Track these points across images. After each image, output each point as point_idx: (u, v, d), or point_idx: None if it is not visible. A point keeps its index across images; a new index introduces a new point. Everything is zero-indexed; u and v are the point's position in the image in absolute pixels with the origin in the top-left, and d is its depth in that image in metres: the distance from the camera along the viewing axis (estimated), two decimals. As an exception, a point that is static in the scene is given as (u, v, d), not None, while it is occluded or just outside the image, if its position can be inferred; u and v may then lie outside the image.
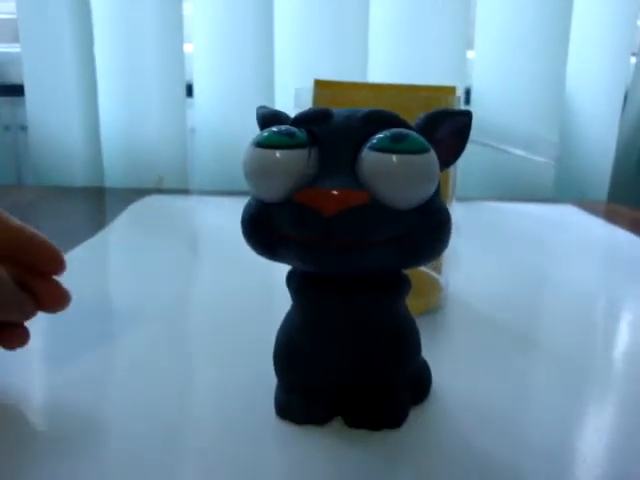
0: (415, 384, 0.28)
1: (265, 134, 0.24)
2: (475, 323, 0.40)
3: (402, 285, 0.27)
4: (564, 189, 0.87)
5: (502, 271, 0.51)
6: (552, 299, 0.48)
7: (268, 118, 0.26)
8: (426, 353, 0.29)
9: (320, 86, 0.38)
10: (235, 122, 0.82)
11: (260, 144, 0.24)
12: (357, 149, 0.24)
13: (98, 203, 0.79)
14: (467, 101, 0.83)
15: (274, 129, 0.24)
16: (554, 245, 0.62)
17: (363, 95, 0.39)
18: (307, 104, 0.37)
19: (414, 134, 0.23)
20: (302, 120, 0.25)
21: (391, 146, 0.23)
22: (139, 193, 0.75)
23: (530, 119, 0.82)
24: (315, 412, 0.27)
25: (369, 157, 0.23)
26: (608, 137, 0.85)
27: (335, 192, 0.22)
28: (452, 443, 0.26)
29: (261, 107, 0.27)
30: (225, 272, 0.49)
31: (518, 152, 0.40)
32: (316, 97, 0.38)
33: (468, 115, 0.25)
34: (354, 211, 0.22)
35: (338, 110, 0.25)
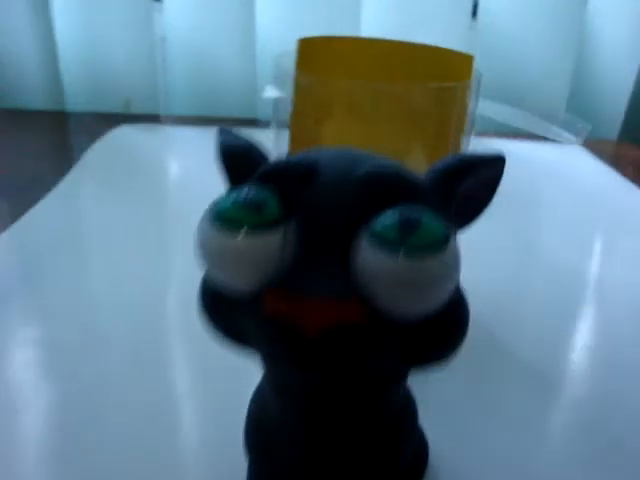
0: (410, 465, 0.24)
1: (224, 204, 0.17)
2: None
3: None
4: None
5: (490, 244, 0.47)
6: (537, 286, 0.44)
7: (231, 157, 0.20)
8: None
9: (305, 46, 0.31)
10: (212, 27, 0.73)
11: (218, 220, 0.17)
12: (352, 231, 0.17)
13: (61, 133, 0.72)
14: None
15: (236, 196, 0.18)
16: (550, 202, 0.57)
17: (357, 52, 0.32)
18: (288, 76, 0.30)
19: (428, 216, 0.17)
20: (276, 178, 0.18)
21: (400, 240, 0.16)
22: (106, 120, 0.68)
23: (546, 45, 0.74)
24: None
25: (369, 255, 0.16)
26: (627, 69, 0.77)
27: (321, 304, 0.17)
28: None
29: (222, 132, 0.21)
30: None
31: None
32: (299, 58, 0.31)
33: (501, 162, 0.19)
34: (346, 331, 0.17)
35: (325, 162, 0.18)
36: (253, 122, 0.74)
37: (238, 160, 0.20)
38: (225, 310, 0.19)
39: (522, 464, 0.27)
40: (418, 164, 0.33)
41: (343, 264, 0.17)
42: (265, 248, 0.17)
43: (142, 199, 0.52)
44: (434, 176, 0.19)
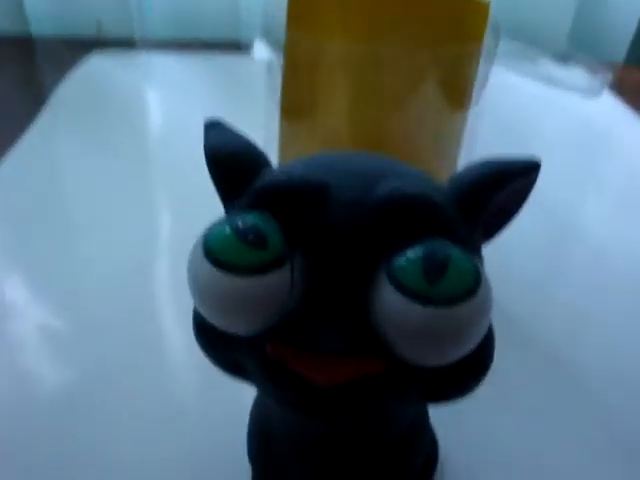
0: (421, 466, 0.23)
1: (217, 239, 0.15)
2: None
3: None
4: (579, 43, 0.76)
5: None
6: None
7: (222, 163, 0.17)
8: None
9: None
10: None
11: (211, 258, 0.15)
12: (369, 270, 0.15)
13: (28, 64, 0.66)
14: None
15: (232, 229, 0.15)
16: (546, 134, 0.54)
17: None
18: (278, 30, 0.26)
19: (458, 255, 0.14)
20: (278, 201, 0.15)
21: (427, 291, 0.14)
22: (76, 47, 0.62)
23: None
24: None
25: (389, 302, 0.14)
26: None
27: (334, 360, 0.14)
28: None
29: (211, 128, 0.17)
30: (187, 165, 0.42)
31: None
32: (290, 10, 0.27)
33: (536, 171, 0.16)
34: (362, 383, 0.15)
35: (337, 181, 0.15)
36: (236, 46, 0.69)
37: (230, 168, 0.17)
38: (221, 345, 0.17)
39: (533, 457, 0.26)
40: (419, 120, 0.31)
41: (359, 311, 0.15)
42: (267, 291, 0.14)
43: (122, 138, 0.48)
44: (461, 190, 0.16)
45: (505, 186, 0.16)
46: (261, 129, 0.33)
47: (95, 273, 0.35)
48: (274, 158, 0.33)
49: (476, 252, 0.16)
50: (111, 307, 0.32)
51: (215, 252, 0.14)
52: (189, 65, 0.61)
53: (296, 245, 0.15)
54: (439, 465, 0.25)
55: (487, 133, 0.35)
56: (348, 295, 0.15)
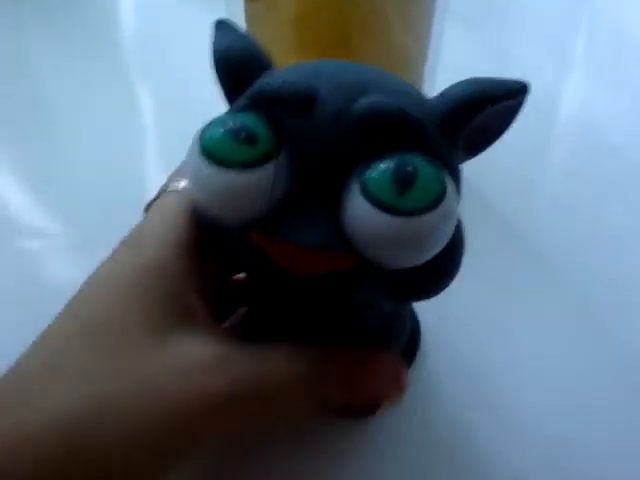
0: (403, 351, 0.25)
1: (212, 136, 0.16)
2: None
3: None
4: None
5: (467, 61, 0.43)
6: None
7: (227, 64, 0.18)
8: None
9: None
10: None
11: (206, 153, 0.16)
12: (346, 174, 0.16)
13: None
14: None
15: (226, 126, 0.16)
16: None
17: None
18: None
19: (424, 168, 0.15)
20: (269, 103, 0.16)
21: (394, 201, 0.15)
22: None
23: None
24: None
25: (359, 210, 0.15)
26: None
27: (309, 253, 0.16)
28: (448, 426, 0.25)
29: (219, 28, 0.18)
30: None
31: None
32: None
33: (523, 94, 0.17)
34: (335, 275, 0.16)
35: (326, 88, 0.16)
36: None
37: (235, 69, 0.18)
38: (219, 234, 0.19)
39: (510, 330, 0.28)
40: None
41: (334, 209, 0.16)
42: (257, 183, 0.16)
43: (93, 30, 0.47)
44: (445, 106, 0.17)
45: (486, 107, 0.16)
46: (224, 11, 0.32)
47: (83, 173, 0.36)
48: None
49: (451, 166, 0.17)
50: (104, 208, 0.33)
51: (208, 149, 0.16)
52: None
53: (283, 145, 0.16)
54: (422, 340, 0.27)
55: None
56: (325, 195, 0.16)
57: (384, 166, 0.15)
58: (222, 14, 0.33)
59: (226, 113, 0.17)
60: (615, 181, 0.36)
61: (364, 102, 0.16)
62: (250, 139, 0.16)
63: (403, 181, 0.15)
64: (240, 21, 0.31)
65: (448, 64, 0.34)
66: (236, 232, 0.17)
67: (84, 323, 0.16)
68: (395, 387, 0.20)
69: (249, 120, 0.16)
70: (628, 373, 0.27)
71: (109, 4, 0.51)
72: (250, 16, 0.31)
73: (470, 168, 0.34)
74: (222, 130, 0.16)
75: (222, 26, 0.19)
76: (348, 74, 0.17)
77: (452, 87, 0.17)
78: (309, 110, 0.16)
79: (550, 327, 0.29)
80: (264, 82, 0.17)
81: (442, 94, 0.17)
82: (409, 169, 0.15)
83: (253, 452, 0.24)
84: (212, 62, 0.18)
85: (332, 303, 0.19)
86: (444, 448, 0.24)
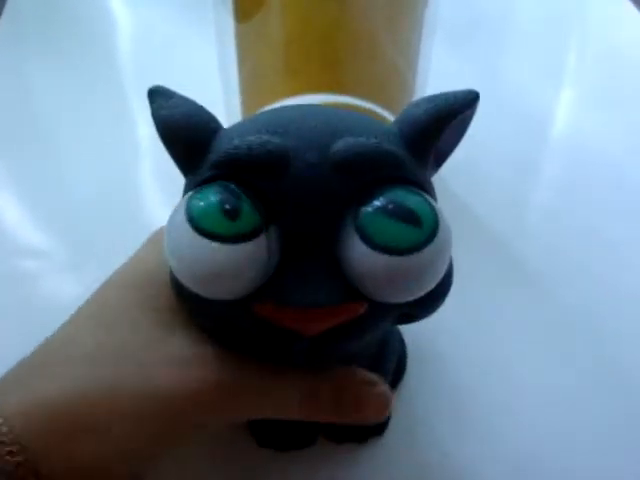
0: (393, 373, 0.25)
1: (198, 210, 0.15)
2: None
3: None
4: None
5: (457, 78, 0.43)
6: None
7: (173, 134, 0.17)
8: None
9: None
10: None
11: (194, 227, 0.15)
12: (336, 224, 0.16)
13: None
14: None
15: (211, 201, 0.15)
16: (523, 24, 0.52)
17: None
18: None
19: (417, 204, 0.15)
20: (238, 168, 0.16)
21: (395, 243, 0.15)
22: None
23: None
24: (296, 435, 0.24)
25: (364, 258, 0.15)
26: None
27: (315, 313, 0.16)
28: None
29: (155, 96, 0.17)
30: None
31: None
32: None
33: (475, 102, 0.17)
34: (347, 326, 0.16)
35: (294, 143, 0.16)
36: None
37: (184, 137, 0.17)
38: (204, 309, 0.18)
39: (484, 336, 0.28)
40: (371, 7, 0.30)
41: (333, 263, 0.16)
42: (247, 260, 0.15)
43: (87, 47, 0.47)
44: (410, 130, 0.17)
45: (450, 122, 0.17)
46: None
47: (78, 187, 0.36)
48: (232, 63, 0.33)
49: (428, 186, 0.17)
50: (100, 222, 0.33)
51: (196, 222, 0.15)
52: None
53: (269, 213, 0.16)
54: (408, 355, 0.27)
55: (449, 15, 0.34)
56: (320, 251, 0.16)
57: (378, 207, 0.15)
58: (212, 35, 0.33)
59: (204, 187, 0.16)
60: (606, 197, 0.36)
61: (337, 146, 0.16)
62: (232, 212, 0.15)
63: (400, 220, 0.15)
64: (230, 42, 0.32)
65: (438, 84, 0.34)
66: (232, 308, 0.16)
67: (99, 317, 0.19)
68: (381, 415, 0.20)
69: (233, 194, 0.15)
70: (620, 388, 0.27)
71: (105, 23, 0.51)
72: (240, 37, 0.31)
73: (460, 184, 0.34)
74: (206, 204, 0.15)
75: (157, 95, 0.17)
76: (312, 120, 0.17)
77: (410, 109, 0.17)
78: (285, 170, 0.16)
79: (540, 344, 0.29)
80: (228, 147, 0.16)
81: (402, 119, 0.17)
82: (403, 207, 0.15)
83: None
84: (159, 135, 0.17)
85: (342, 350, 0.19)
86: (429, 470, 0.24)
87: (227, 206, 0.15)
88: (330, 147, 0.16)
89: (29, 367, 0.18)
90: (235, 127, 0.17)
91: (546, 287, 0.31)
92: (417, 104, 0.17)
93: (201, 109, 0.17)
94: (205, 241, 0.15)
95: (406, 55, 0.32)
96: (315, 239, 0.16)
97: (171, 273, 0.18)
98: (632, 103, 0.42)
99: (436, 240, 0.15)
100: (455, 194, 0.34)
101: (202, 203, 0.15)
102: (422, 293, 0.16)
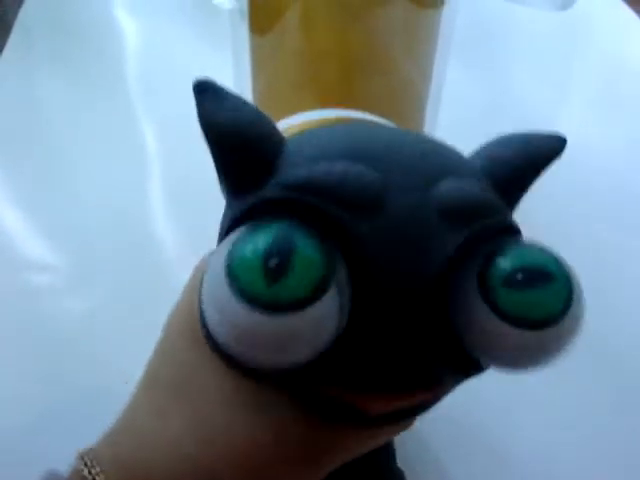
0: None
1: (243, 266, 0.11)
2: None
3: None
4: None
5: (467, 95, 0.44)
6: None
7: (233, 147, 0.13)
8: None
9: None
10: None
11: (239, 292, 0.11)
12: (447, 283, 0.13)
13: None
14: None
15: (262, 252, 0.11)
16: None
17: None
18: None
19: (555, 271, 0.13)
20: (325, 197, 0.12)
21: (524, 314, 0.12)
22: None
23: None
24: None
25: (494, 330, 0.12)
26: None
27: (385, 399, 0.14)
28: None
29: (204, 90, 0.13)
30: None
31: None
32: None
33: (562, 148, 0.15)
34: (412, 407, 0.15)
35: (388, 176, 0.13)
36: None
37: (244, 148, 0.13)
38: (253, 375, 0.15)
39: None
40: (388, 24, 0.30)
41: (419, 345, 0.13)
42: (311, 325, 0.11)
43: (95, 63, 0.47)
44: (499, 173, 0.15)
45: (543, 169, 0.15)
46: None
47: (87, 202, 0.36)
48: (247, 76, 0.32)
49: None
50: (108, 237, 0.33)
51: (240, 286, 0.11)
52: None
53: (349, 263, 0.12)
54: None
55: (462, 35, 0.34)
56: (410, 326, 0.13)
57: (508, 270, 0.12)
58: (227, 48, 0.33)
59: (258, 225, 0.12)
60: (610, 209, 0.36)
61: (443, 189, 0.13)
62: (280, 270, 0.11)
63: (531, 285, 0.12)
64: (245, 54, 0.32)
65: (448, 97, 0.34)
66: (292, 381, 0.14)
67: (179, 386, 0.17)
68: None
69: (295, 242, 0.11)
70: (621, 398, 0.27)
71: (114, 35, 0.51)
72: (256, 49, 0.31)
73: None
74: (255, 257, 0.11)
75: (207, 93, 0.14)
76: (408, 153, 0.14)
77: (497, 148, 0.15)
78: (380, 209, 0.12)
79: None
80: (314, 169, 0.13)
81: (489, 156, 0.15)
82: (536, 271, 0.12)
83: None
84: (207, 137, 0.14)
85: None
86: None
87: (273, 260, 0.11)
88: (432, 188, 0.13)
89: (123, 426, 0.17)
90: (306, 143, 0.14)
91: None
92: (503, 144, 0.15)
93: (263, 116, 0.14)
94: (241, 305, 0.11)
95: (421, 70, 0.32)
96: (411, 301, 0.12)
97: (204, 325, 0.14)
98: (637, 112, 0.42)
99: (573, 307, 0.13)
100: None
101: (247, 248, 0.12)
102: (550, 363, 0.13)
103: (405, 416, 0.15)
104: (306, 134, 0.15)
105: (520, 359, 0.13)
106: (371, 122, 0.16)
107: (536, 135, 0.15)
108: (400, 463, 0.23)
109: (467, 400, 0.26)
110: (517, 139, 0.15)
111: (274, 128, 0.14)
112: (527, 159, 0.15)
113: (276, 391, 0.15)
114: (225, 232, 0.13)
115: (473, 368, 0.14)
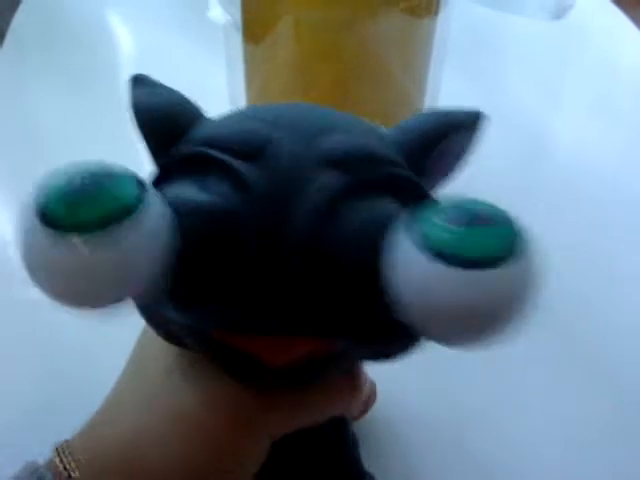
0: None
1: (46, 195, 0.12)
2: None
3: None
4: None
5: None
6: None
7: (149, 121, 0.16)
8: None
9: None
10: None
11: (43, 221, 0.12)
12: (315, 228, 0.13)
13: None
14: None
15: (62, 184, 0.12)
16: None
17: None
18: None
19: (497, 217, 0.12)
20: (215, 147, 0.14)
21: (462, 253, 0.11)
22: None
23: None
24: None
25: (422, 270, 0.11)
26: None
27: (281, 343, 0.14)
28: None
29: (137, 83, 0.16)
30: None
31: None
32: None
33: (479, 121, 0.16)
34: (313, 362, 0.15)
35: (277, 132, 0.14)
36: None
37: (158, 125, 0.16)
38: (160, 322, 0.16)
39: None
40: (384, 33, 0.30)
41: (301, 286, 0.13)
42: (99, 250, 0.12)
43: (89, 71, 0.47)
44: (409, 139, 0.16)
45: (448, 135, 0.16)
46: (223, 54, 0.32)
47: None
48: (240, 83, 0.32)
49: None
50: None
51: (48, 209, 0.12)
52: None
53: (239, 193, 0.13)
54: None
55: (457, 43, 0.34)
56: (298, 253, 0.13)
57: (445, 208, 0.12)
58: (222, 55, 0.33)
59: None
60: (605, 215, 0.36)
61: (325, 141, 0.14)
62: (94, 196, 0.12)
63: (468, 225, 0.12)
64: (239, 62, 0.32)
65: (444, 104, 0.34)
66: (187, 329, 0.15)
67: (139, 374, 0.19)
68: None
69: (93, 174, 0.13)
70: (622, 414, 0.26)
71: (108, 43, 0.51)
72: (249, 58, 0.31)
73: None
74: (57, 188, 0.12)
75: (140, 81, 0.17)
76: (301, 116, 0.16)
77: (410, 119, 0.16)
78: (261, 154, 0.14)
79: (532, 369, 0.28)
80: (211, 129, 0.15)
81: (401, 126, 0.16)
82: (476, 211, 0.12)
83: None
84: (134, 120, 0.16)
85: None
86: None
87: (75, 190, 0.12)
88: (317, 141, 0.14)
89: (94, 421, 0.19)
90: (220, 117, 0.16)
91: (551, 311, 0.30)
92: (419, 115, 0.16)
93: (185, 99, 0.16)
94: (43, 227, 0.12)
95: (416, 78, 0.32)
96: (291, 237, 0.13)
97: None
98: (632, 121, 0.42)
99: (516, 255, 0.11)
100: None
101: (53, 181, 0.13)
102: (493, 333, 0.12)
103: (310, 374, 0.16)
104: (231, 111, 0.17)
105: (456, 315, 0.11)
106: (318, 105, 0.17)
107: (451, 109, 0.16)
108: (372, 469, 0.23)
109: (443, 405, 0.26)
110: (431, 112, 0.16)
111: (192, 106, 0.16)
112: (433, 126, 0.16)
113: (207, 358, 0.17)
114: None
115: (391, 329, 0.13)
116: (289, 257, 0.13)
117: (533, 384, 0.28)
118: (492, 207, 0.12)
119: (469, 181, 0.27)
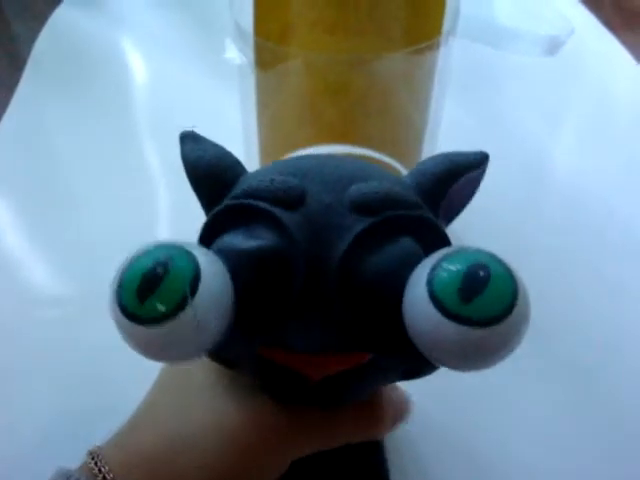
0: None
1: (125, 288, 0.15)
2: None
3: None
4: None
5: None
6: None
7: (199, 173, 0.18)
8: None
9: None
10: None
11: (123, 314, 0.15)
12: (347, 264, 0.16)
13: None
14: None
15: (137, 274, 0.15)
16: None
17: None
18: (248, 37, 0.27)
19: (498, 269, 0.14)
20: (258, 198, 0.17)
21: (460, 310, 0.14)
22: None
23: None
24: None
25: (425, 315, 0.14)
26: None
27: (322, 359, 0.16)
28: None
29: (187, 139, 0.19)
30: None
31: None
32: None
33: (485, 162, 0.18)
34: (350, 373, 0.17)
35: (310, 185, 0.17)
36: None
37: (208, 177, 0.18)
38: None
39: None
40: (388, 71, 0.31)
41: (343, 307, 0.16)
42: (175, 333, 0.15)
43: (108, 95, 0.48)
44: (426, 180, 0.18)
45: (461, 175, 0.18)
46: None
47: (97, 235, 0.37)
48: (252, 113, 0.34)
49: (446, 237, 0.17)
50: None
51: (122, 307, 0.15)
52: (162, 13, 0.59)
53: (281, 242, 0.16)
54: None
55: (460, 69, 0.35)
56: (327, 291, 0.16)
57: (453, 268, 0.14)
58: (234, 83, 0.34)
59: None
60: (607, 240, 0.37)
61: (351, 190, 0.17)
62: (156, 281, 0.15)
63: (473, 282, 0.14)
64: (251, 90, 0.33)
65: (445, 134, 0.36)
66: (237, 347, 0.17)
67: (174, 382, 0.20)
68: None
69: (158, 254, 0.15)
70: (614, 430, 0.27)
71: (127, 75, 0.53)
72: (261, 86, 0.33)
73: (463, 224, 0.35)
74: (131, 280, 0.15)
75: (187, 139, 0.19)
76: (329, 169, 0.18)
77: (425, 162, 0.18)
78: (300, 205, 0.16)
79: (534, 385, 0.29)
80: (252, 182, 0.17)
81: (416, 170, 0.18)
82: (476, 271, 0.14)
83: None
84: (185, 170, 0.18)
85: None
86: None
87: (144, 283, 0.15)
88: (346, 190, 0.17)
89: (127, 428, 0.20)
90: (258, 171, 0.18)
91: (549, 329, 0.31)
92: (432, 158, 0.18)
93: (228, 154, 0.18)
94: (122, 317, 0.15)
95: (419, 108, 0.33)
96: (329, 271, 0.16)
97: None
98: (628, 146, 0.43)
99: (511, 319, 0.14)
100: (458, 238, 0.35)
101: (126, 272, 0.16)
102: (474, 370, 0.15)
103: (346, 388, 0.17)
104: (265, 165, 0.19)
105: (466, 357, 0.14)
106: (345, 155, 0.19)
107: (459, 152, 0.18)
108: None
109: (449, 413, 0.27)
110: (442, 155, 0.18)
111: (235, 161, 0.18)
112: (446, 168, 0.18)
113: (248, 377, 0.19)
114: (199, 238, 0.17)
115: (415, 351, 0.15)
116: (329, 287, 0.16)
117: (535, 393, 0.29)
118: (495, 263, 0.15)
119: (471, 206, 0.28)
